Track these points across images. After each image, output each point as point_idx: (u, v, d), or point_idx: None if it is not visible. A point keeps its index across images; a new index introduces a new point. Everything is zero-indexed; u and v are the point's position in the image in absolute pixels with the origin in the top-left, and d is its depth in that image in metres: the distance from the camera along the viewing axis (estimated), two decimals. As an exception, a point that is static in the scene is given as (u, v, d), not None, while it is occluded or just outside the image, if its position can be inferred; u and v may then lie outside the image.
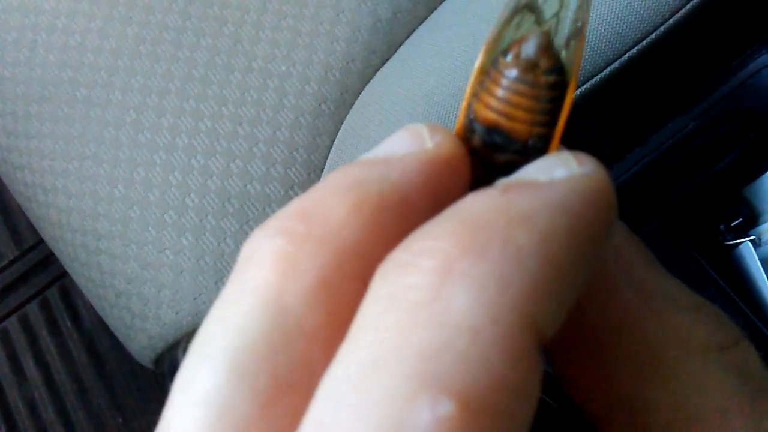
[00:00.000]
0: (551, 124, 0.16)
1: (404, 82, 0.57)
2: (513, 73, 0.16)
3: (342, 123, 0.58)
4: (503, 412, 0.12)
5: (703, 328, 0.16)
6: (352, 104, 0.58)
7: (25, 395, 1.03)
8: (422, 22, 0.59)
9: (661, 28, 0.50)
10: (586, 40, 0.50)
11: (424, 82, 0.55)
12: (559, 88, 0.16)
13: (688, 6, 0.50)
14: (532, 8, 0.17)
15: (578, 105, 0.52)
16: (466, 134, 0.17)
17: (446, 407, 0.12)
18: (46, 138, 0.61)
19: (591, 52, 0.51)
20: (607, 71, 0.51)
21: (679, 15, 0.50)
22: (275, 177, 0.56)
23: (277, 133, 0.57)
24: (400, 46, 0.59)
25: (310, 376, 0.13)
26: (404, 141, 0.16)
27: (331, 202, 0.15)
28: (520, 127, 0.16)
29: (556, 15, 0.18)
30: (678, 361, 0.15)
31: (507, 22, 0.17)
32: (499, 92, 0.16)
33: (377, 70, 0.59)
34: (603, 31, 0.50)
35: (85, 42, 0.61)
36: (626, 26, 0.50)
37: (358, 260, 0.14)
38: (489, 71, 0.17)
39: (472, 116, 0.17)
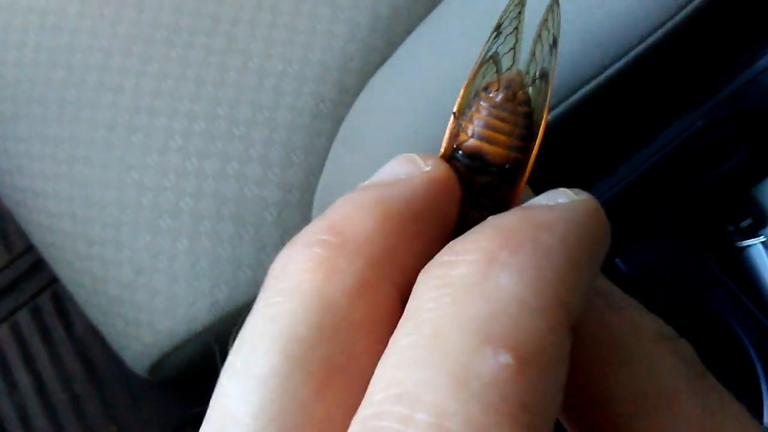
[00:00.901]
0: (524, 151, 0.19)
1: (404, 81, 0.55)
2: (495, 102, 0.19)
3: (341, 123, 0.57)
4: (547, 362, 0.14)
5: (651, 320, 0.18)
6: (351, 104, 0.57)
7: (16, 404, 1.01)
8: (422, 20, 0.58)
9: (667, 25, 0.49)
10: (585, 46, 0.50)
11: (424, 80, 0.54)
12: (530, 120, 0.20)
13: (694, 3, 0.49)
14: (495, 61, 0.21)
15: (585, 103, 0.51)
16: (449, 161, 0.19)
17: (506, 357, 0.14)
18: (36, 140, 0.59)
19: (596, 49, 0.50)
20: (612, 69, 0.50)
21: (684, 12, 0.49)
22: (272, 179, 0.55)
23: (274, 134, 0.56)
24: (399, 44, 0.58)
25: (357, 362, 0.15)
26: (403, 166, 0.18)
27: (360, 217, 0.17)
28: (499, 151, 0.19)
29: (512, 66, 0.21)
30: (635, 347, 0.17)
31: (477, 71, 0.21)
32: (482, 119, 0.19)
33: (376, 69, 0.58)
34: (608, 28, 0.49)
35: (75, 41, 0.60)
36: (632, 23, 0.49)
37: (389, 266, 0.16)
38: (471, 104, 0.20)
39: (455, 145, 0.19)
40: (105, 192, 0.56)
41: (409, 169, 0.18)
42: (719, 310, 0.54)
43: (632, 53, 0.49)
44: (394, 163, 0.19)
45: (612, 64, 0.50)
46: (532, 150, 0.19)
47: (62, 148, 0.58)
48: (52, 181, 0.58)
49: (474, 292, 0.15)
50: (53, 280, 1.03)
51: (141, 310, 0.55)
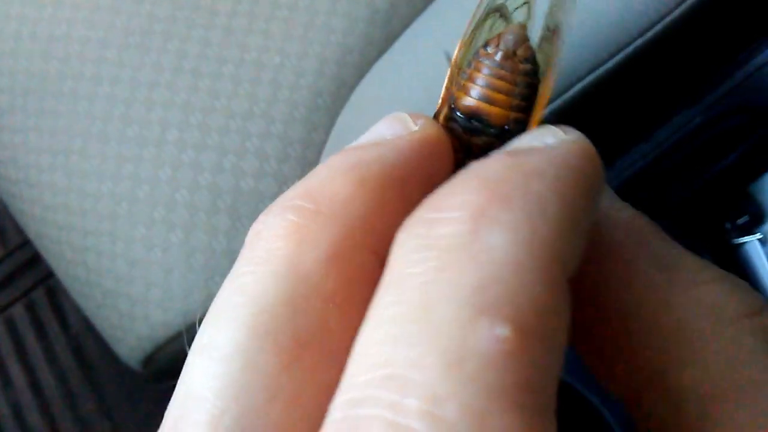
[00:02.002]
0: (527, 111, 0.18)
1: (402, 74, 0.55)
2: (494, 59, 0.18)
3: (338, 117, 0.56)
4: (548, 332, 0.13)
5: (731, 297, 0.15)
6: (348, 98, 0.57)
7: (10, 399, 1.01)
8: (420, 13, 0.58)
9: (667, 19, 0.49)
10: (584, 40, 0.49)
11: (422, 74, 0.54)
12: (534, 78, 0.18)
13: (692, -2, 0.49)
14: (504, 14, 0.20)
15: (582, 97, 0.51)
16: (446, 121, 0.18)
17: (503, 329, 0.12)
18: (32, 132, 0.59)
19: (595, 43, 0.49)
20: (611, 62, 0.50)
21: (683, 7, 0.49)
22: (268, 172, 0.55)
23: (271, 127, 0.55)
24: (397, 37, 0.58)
25: (330, 336, 0.14)
26: (390, 126, 0.17)
27: (336, 182, 0.15)
28: (499, 111, 0.18)
29: (526, 22, 0.20)
30: (708, 334, 0.15)
31: (480, 23, 0.20)
32: (481, 77, 0.18)
33: (374, 62, 0.57)
34: (607, 21, 0.49)
35: (72, 33, 0.59)
36: (630, 18, 0.49)
37: (367, 233, 0.15)
38: (470, 61, 0.19)
39: (452, 105, 0.18)
40: (100, 184, 0.56)
41: (396, 130, 0.17)
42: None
43: (630, 48, 0.49)
44: (382, 123, 0.17)
45: (610, 58, 0.49)
46: (536, 110, 0.18)
47: (58, 139, 0.58)
48: (48, 172, 0.58)
49: (463, 256, 0.13)
50: (48, 275, 1.03)
51: (136, 302, 0.55)
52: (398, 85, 0.55)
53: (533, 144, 0.16)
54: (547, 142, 0.16)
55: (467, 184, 0.14)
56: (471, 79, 0.18)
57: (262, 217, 0.16)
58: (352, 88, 0.57)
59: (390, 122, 0.17)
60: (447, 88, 0.19)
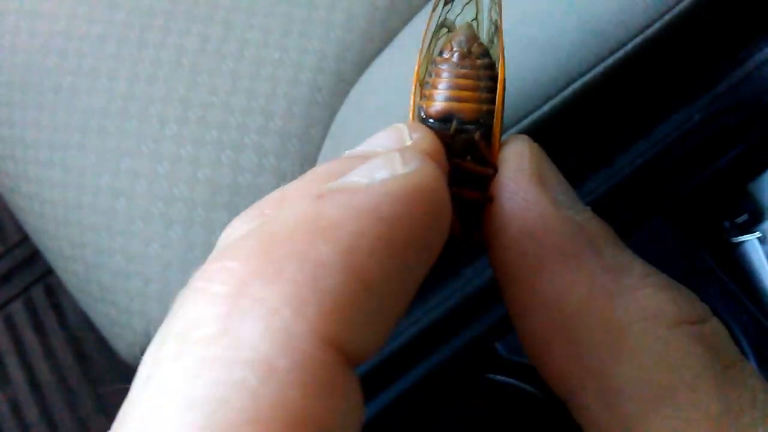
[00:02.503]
0: (494, 102, 0.19)
1: (401, 71, 0.55)
2: (452, 62, 0.19)
3: (336, 113, 0.56)
4: None
5: (672, 303, 0.16)
6: (347, 93, 0.57)
7: (8, 396, 1.01)
8: (419, 11, 0.58)
9: (666, 17, 0.49)
10: (583, 37, 0.49)
11: (421, 71, 0.53)
12: (493, 70, 0.19)
13: (693, -5, 0.49)
14: (450, 28, 0.21)
15: (582, 95, 0.50)
16: None
17: None
18: (30, 127, 0.59)
19: (594, 41, 0.49)
20: (611, 59, 0.49)
21: (684, 3, 0.49)
22: (267, 168, 0.55)
23: (270, 122, 0.55)
24: (396, 34, 0.58)
25: None
26: (385, 139, 0.17)
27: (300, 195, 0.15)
28: (470, 106, 0.19)
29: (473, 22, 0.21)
30: (645, 335, 0.15)
31: (433, 38, 0.20)
32: (443, 82, 0.19)
33: (373, 59, 0.57)
34: (606, 19, 0.49)
35: (71, 28, 0.59)
36: (630, 15, 0.49)
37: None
38: (430, 71, 0.19)
39: (423, 115, 0.19)
40: (98, 179, 0.56)
41: (390, 142, 0.16)
42: (714, 305, 0.54)
43: (630, 45, 0.49)
44: (379, 135, 0.17)
45: (610, 55, 0.49)
46: (498, 100, 0.19)
47: (56, 134, 0.58)
48: (46, 167, 0.58)
49: (208, 356, 0.11)
50: (47, 273, 1.03)
51: (133, 298, 0.55)
52: (397, 82, 0.55)
53: (359, 181, 0.14)
54: (374, 179, 0.14)
55: (246, 241, 0.13)
56: (435, 86, 0.19)
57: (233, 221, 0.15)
58: (351, 84, 0.57)
59: (386, 134, 0.17)
60: (413, 103, 0.19)
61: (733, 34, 0.54)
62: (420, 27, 0.57)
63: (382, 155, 0.15)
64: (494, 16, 0.20)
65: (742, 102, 0.52)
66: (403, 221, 0.13)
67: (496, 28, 0.20)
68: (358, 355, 0.12)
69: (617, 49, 0.49)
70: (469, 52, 0.19)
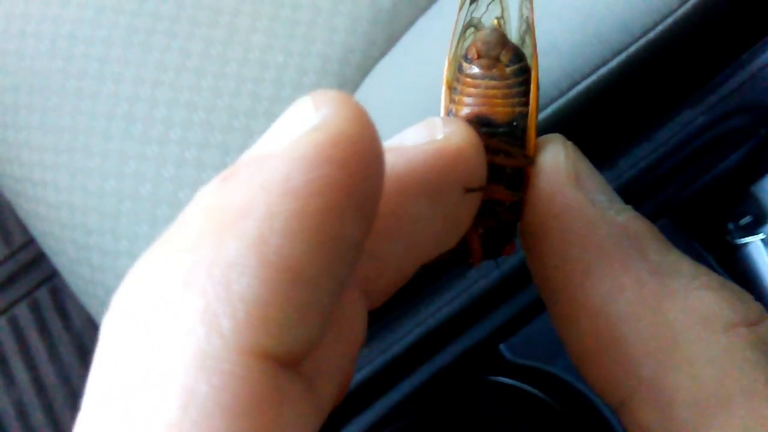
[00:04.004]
0: (528, 104, 0.18)
1: (404, 74, 0.55)
2: (479, 73, 0.18)
3: (340, 116, 0.56)
4: None
5: (725, 305, 0.15)
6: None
7: (13, 398, 1.01)
8: (423, 13, 0.58)
9: (669, 19, 0.49)
10: (587, 38, 0.49)
11: (425, 73, 0.54)
12: (524, 74, 0.18)
13: (696, -3, 0.49)
14: (478, 28, 0.20)
15: (585, 97, 0.50)
16: None
17: None
18: (36, 130, 0.59)
19: (597, 43, 0.49)
20: (614, 62, 0.49)
21: (687, 5, 0.49)
22: (271, 171, 0.55)
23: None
24: (400, 37, 0.58)
25: None
26: (417, 133, 0.15)
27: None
28: (502, 110, 0.18)
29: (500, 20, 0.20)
30: (699, 341, 0.14)
31: (459, 38, 0.20)
32: (476, 93, 0.18)
33: (377, 62, 0.57)
34: (609, 21, 0.49)
35: (76, 32, 0.60)
36: (633, 17, 0.49)
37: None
38: (457, 77, 0.19)
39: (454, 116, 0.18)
40: (103, 182, 0.56)
41: (421, 137, 0.15)
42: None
43: (633, 47, 0.49)
44: (412, 129, 0.16)
45: (613, 57, 0.49)
46: (532, 103, 0.18)
47: (62, 138, 0.58)
48: (51, 171, 0.58)
49: (125, 391, 0.11)
50: (52, 275, 1.03)
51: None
52: (401, 85, 0.55)
53: (268, 143, 0.12)
54: (285, 138, 0.12)
55: (163, 246, 0.12)
56: (465, 94, 0.18)
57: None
58: (354, 87, 0.57)
59: (419, 128, 0.16)
60: (445, 108, 0.19)
61: (737, 36, 0.54)
62: (425, 29, 0.57)
63: (299, 102, 0.12)
64: (525, 12, 0.19)
65: (745, 104, 0.52)
66: (324, 186, 0.11)
67: (527, 26, 0.19)
68: (293, 355, 0.11)
69: (620, 52, 0.49)
70: (497, 60, 0.18)
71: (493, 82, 0.18)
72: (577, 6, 0.49)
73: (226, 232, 0.11)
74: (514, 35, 0.19)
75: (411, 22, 0.58)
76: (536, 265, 0.17)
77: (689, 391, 0.14)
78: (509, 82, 0.18)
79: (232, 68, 0.57)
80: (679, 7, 0.49)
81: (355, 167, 0.11)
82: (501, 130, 0.18)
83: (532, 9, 0.19)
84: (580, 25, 0.49)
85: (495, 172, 0.17)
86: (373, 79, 0.57)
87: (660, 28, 0.49)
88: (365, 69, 0.57)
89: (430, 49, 0.55)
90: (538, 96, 0.18)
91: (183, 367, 0.11)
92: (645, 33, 0.49)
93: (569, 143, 0.18)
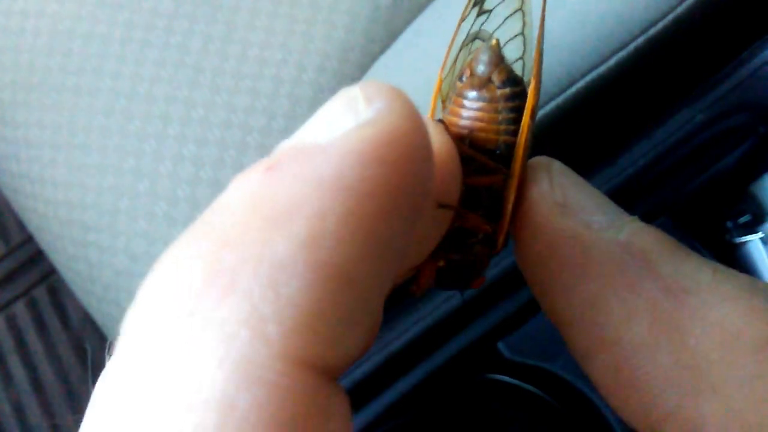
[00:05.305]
0: (517, 132, 0.17)
1: (404, 71, 0.55)
2: (470, 93, 0.17)
3: (339, 113, 0.56)
4: None
5: (754, 318, 0.13)
6: (350, 94, 0.57)
7: (10, 397, 1.01)
8: (422, 11, 0.58)
9: (669, 17, 0.49)
10: (586, 36, 0.49)
11: (423, 71, 0.53)
12: (516, 99, 0.17)
13: (696, -5, 0.49)
14: (482, 38, 0.19)
15: (584, 95, 0.50)
16: None
17: None
18: (34, 127, 0.59)
19: (596, 40, 0.49)
20: (613, 60, 0.49)
21: (686, 3, 0.49)
22: (270, 168, 0.55)
23: (272, 122, 0.55)
24: (400, 34, 0.58)
25: None
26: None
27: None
28: (487, 136, 0.17)
29: (523, 55, 0.19)
30: (726, 365, 0.13)
31: (461, 49, 0.19)
32: (462, 113, 0.17)
33: (376, 59, 0.57)
34: (609, 19, 0.49)
35: (75, 28, 0.59)
36: (633, 14, 0.49)
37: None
38: (449, 94, 0.18)
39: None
40: (102, 179, 0.56)
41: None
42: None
43: (632, 45, 0.49)
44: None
45: (612, 55, 0.49)
46: (522, 131, 0.17)
47: (60, 134, 0.58)
48: (49, 167, 0.58)
49: (155, 399, 0.10)
50: (50, 273, 1.03)
51: (136, 297, 0.55)
52: (400, 83, 0.55)
53: (317, 137, 0.11)
54: (336, 131, 0.11)
55: (195, 240, 0.11)
56: (453, 113, 0.17)
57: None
58: (354, 83, 0.57)
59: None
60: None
61: (736, 34, 0.54)
62: (424, 27, 0.57)
63: (346, 91, 0.11)
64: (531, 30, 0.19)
65: (744, 102, 0.52)
66: (378, 186, 0.10)
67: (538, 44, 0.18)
68: (338, 366, 0.10)
69: (620, 49, 0.49)
70: (489, 80, 0.17)
71: (480, 103, 0.17)
72: (577, 4, 0.49)
73: (275, 230, 0.10)
74: (531, 55, 0.18)
75: (410, 20, 0.58)
76: (542, 300, 0.16)
77: (719, 419, 0.13)
78: (497, 105, 0.17)
79: (231, 65, 0.57)
80: (679, 4, 0.49)
81: (409, 167, 0.11)
82: (485, 154, 0.17)
83: (541, 35, 0.18)
84: (579, 23, 0.49)
85: (471, 198, 0.16)
86: (371, 77, 0.57)
87: (659, 26, 0.49)
88: (364, 66, 0.57)
89: (429, 47, 0.55)
90: (531, 126, 0.17)
91: (222, 375, 0.10)
92: (644, 31, 0.49)
93: (555, 165, 0.16)
